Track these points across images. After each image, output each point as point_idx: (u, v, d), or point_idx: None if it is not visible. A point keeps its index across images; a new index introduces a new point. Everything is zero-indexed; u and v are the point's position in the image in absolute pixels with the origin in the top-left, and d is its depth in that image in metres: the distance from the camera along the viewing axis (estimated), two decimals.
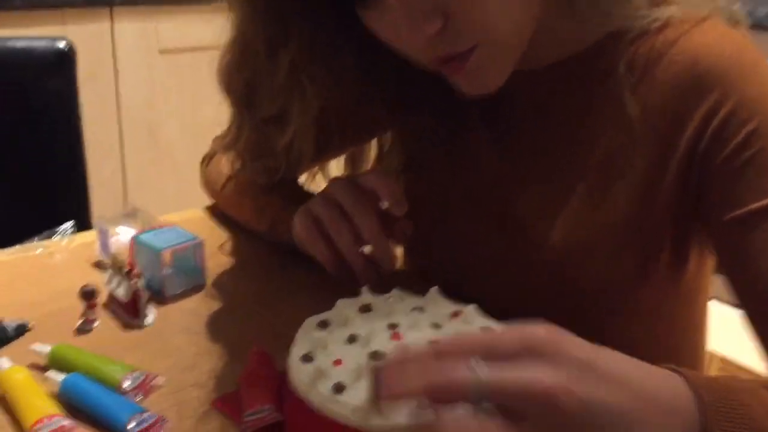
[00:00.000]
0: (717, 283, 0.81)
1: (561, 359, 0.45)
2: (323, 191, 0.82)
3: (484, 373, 0.44)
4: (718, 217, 0.70)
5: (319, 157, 0.91)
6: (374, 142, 1.06)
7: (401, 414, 0.53)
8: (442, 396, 0.45)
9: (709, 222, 0.73)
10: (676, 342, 0.87)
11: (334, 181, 0.81)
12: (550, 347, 0.45)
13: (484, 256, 0.86)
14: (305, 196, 0.93)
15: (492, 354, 0.45)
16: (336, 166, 1.08)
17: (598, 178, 0.77)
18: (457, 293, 0.68)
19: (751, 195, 0.68)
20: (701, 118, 0.70)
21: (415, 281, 0.78)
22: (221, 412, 0.64)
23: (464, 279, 0.80)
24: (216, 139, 1.10)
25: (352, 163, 1.05)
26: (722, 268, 0.74)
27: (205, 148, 1.12)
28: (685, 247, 0.78)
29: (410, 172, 0.95)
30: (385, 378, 0.47)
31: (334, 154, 1.06)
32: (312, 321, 0.66)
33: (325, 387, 0.57)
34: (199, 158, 1.10)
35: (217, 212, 1.06)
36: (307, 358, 0.60)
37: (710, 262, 0.84)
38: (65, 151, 1.31)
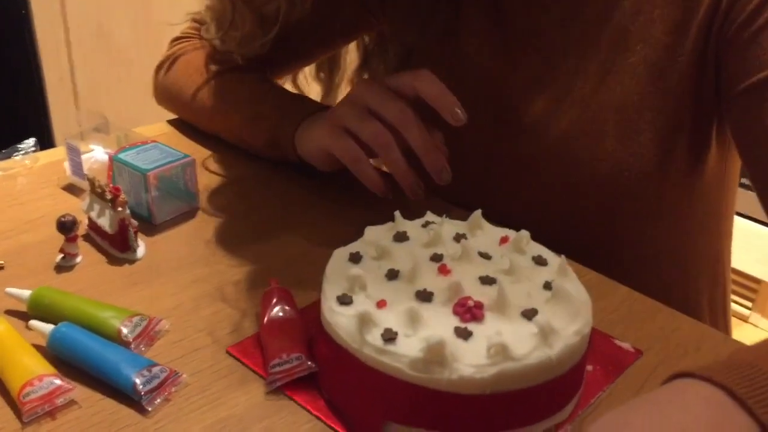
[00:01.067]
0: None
1: None
2: (351, 98, 0.71)
3: None
4: (732, 89, 0.66)
5: (311, 42, 0.79)
6: (354, 53, 0.96)
7: (466, 365, 0.46)
8: None
9: (725, 97, 0.68)
10: (697, 248, 0.83)
11: (365, 86, 0.71)
12: None
13: (487, 154, 0.79)
14: (301, 102, 0.82)
15: None
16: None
17: (609, 54, 0.71)
18: (463, 200, 0.63)
19: (765, 62, 0.63)
20: None
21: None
22: (240, 362, 0.56)
23: (465, 182, 0.73)
24: (174, 42, 0.97)
25: (329, 72, 0.94)
26: (736, 146, 0.70)
27: (160, 50, 0.98)
28: (706, 133, 0.74)
29: (407, 67, 0.86)
30: None
31: (325, 47, 0.95)
32: (342, 253, 0.57)
33: (372, 336, 0.48)
34: (156, 62, 0.96)
35: (186, 126, 0.94)
36: (345, 299, 0.51)
37: (734, 164, 0.80)
38: (18, 54, 1.14)
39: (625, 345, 0.58)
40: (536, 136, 0.75)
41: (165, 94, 0.94)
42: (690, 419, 0.39)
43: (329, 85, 0.99)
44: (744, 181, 0.77)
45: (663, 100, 0.70)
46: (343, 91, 0.99)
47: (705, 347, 0.58)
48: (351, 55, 0.99)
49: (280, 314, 0.57)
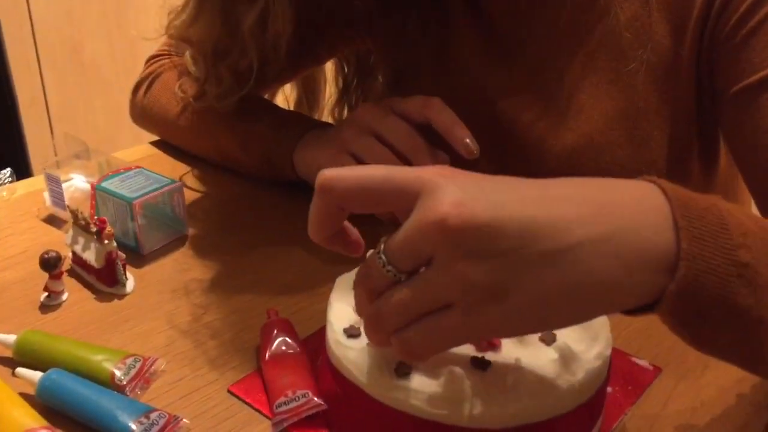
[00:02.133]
0: None
1: (439, 197, 0.38)
2: (356, 122, 0.68)
3: (385, 243, 0.40)
4: (725, 92, 0.65)
5: (293, 60, 0.77)
6: (330, 82, 0.94)
7: (486, 399, 0.43)
8: (374, 287, 0.41)
9: (719, 100, 0.67)
10: None
11: (370, 109, 0.68)
12: (433, 186, 0.39)
13: (489, 172, 0.76)
14: (295, 119, 0.79)
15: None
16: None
17: (608, 63, 0.69)
18: None
19: (756, 65, 0.62)
20: None
21: None
22: (243, 401, 0.53)
23: None
24: (150, 60, 0.94)
25: (309, 109, 0.91)
26: (729, 149, 0.69)
27: (136, 68, 0.95)
28: (714, 136, 0.72)
29: (398, 88, 0.83)
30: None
31: (308, 64, 0.92)
32: (345, 280, 0.54)
33: (385, 370, 0.46)
34: (133, 80, 0.93)
35: (169, 147, 0.90)
36: (353, 332, 0.49)
37: None
38: None
39: (643, 362, 0.56)
40: (540, 152, 0.72)
41: (145, 115, 0.91)
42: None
43: None
44: None
45: (670, 105, 0.68)
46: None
47: (723, 363, 0.56)
48: (330, 89, 0.97)
49: (283, 348, 0.54)
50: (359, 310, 0.44)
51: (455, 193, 0.38)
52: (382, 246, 0.41)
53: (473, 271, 0.37)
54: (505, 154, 0.75)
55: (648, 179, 0.42)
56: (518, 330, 0.40)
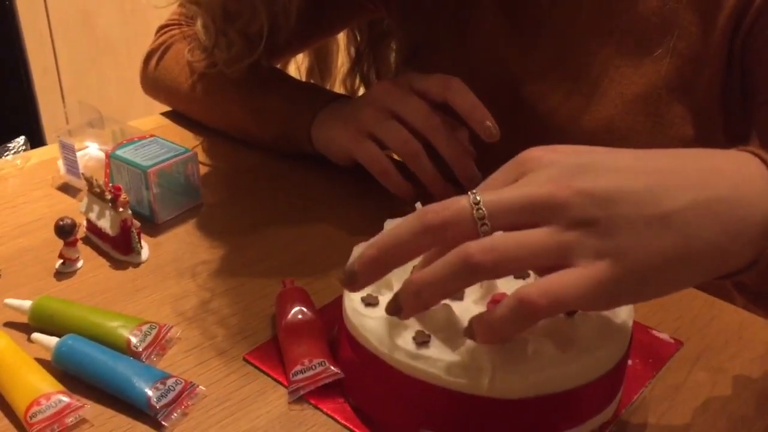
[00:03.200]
0: None
1: (554, 165, 0.41)
2: (374, 100, 0.68)
3: (482, 197, 0.40)
4: (755, 98, 0.63)
5: (305, 28, 0.75)
6: (342, 51, 0.92)
7: (507, 368, 0.43)
8: (448, 234, 0.40)
9: (750, 104, 0.65)
10: None
11: (388, 87, 0.67)
12: (539, 160, 0.41)
13: (508, 150, 0.75)
14: (313, 92, 0.78)
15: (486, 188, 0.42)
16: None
17: (636, 47, 0.67)
18: None
19: None
20: None
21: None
22: (258, 369, 0.52)
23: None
24: (161, 30, 0.93)
25: (320, 78, 0.91)
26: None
27: (148, 38, 0.93)
28: (740, 129, 0.69)
29: (415, 62, 0.81)
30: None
31: (321, 33, 0.91)
32: (362, 249, 0.53)
33: (403, 339, 0.45)
34: (144, 50, 0.92)
35: (182, 118, 0.89)
36: (371, 300, 0.48)
37: None
38: (2, 45, 1.09)
39: (664, 336, 0.55)
40: (562, 134, 0.70)
41: (156, 86, 0.90)
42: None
43: None
44: None
45: (694, 93, 0.66)
46: None
47: (747, 335, 0.56)
48: (342, 58, 0.96)
49: (299, 317, 0.54)
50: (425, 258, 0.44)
51: (561, 170, 0.40)
52: (478, 198, 0.40)
53: (588, 238, 0.38)
54: (525, 136, 0.74)
55: (741, 149, 0.43)
56: (628, 297, 0.40)
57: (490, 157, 0.75)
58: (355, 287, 0.43)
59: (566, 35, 0.70)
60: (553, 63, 0.71)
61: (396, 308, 0.43)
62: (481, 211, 0.40)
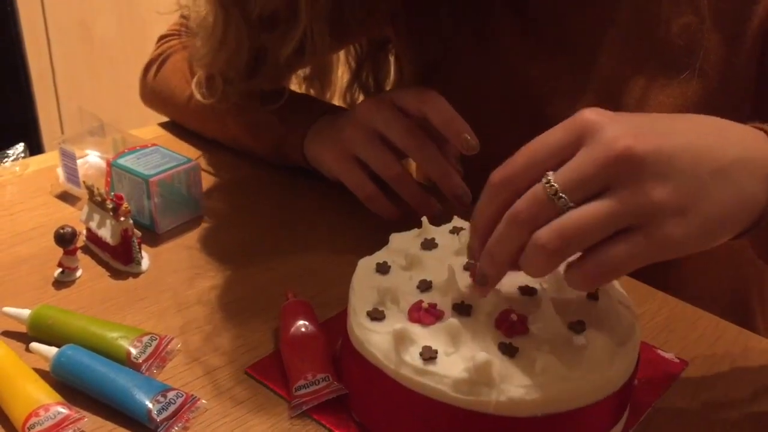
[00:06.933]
0: None
1: (618, 123, 0.42)
2: (358, 120, 0.67)
3: (553, 177, 0.42)
4: None
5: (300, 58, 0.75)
6: (343, 64, 0.92)
7: (515, 385, 0.42)
8: (530, 218, 0.42)
9: None
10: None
11: (371, 105, 0.66)
12: (599, 122, 0.42)
13: None
14: (304, 105, 0.78)
15: (550, 161, 0.43)
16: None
17: (661, 68, 0.66)
18: None
19: None
20: None
21: (443, 197, 0.66)
22: (260, 383, 0.52)
23: None
24: (161, 40, 0.92)
25: (320, 88, 0.90)
26: None
27: (146, 46, 0.93)
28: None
29: (433, 80, 0.81)
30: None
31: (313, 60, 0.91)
32: (368, 263, 0.53)
33: (410, 355, 0.44)
34: (142, 59, 0.91)
35: (181, 128, 0.89)
36: (376, 315, 0.48)
37: None
38: (3, 51, 1.08)
39: (670, 355, 0.55)
40: None
41: (155, 97, 0.89)
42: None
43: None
44: None
45: (723, 115, 0.67)
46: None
47: (752, 355, 0.55)
48: (342, 68, 0.95)
49: (302, 330, 0.53)
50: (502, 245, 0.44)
51: (628, 127, 0.42)
52: (550, 179, 0.42)
53: (658, 193, 0.40)
54: None
55: (753, 125, 0.47)
56: (695, 245, 0.42)
57: None
58: (486, 290, 0.46)
59: (593, 57, 0.70)
60: (580, 84, 0.71)
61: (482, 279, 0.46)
62: (553, 186, 0.41)
